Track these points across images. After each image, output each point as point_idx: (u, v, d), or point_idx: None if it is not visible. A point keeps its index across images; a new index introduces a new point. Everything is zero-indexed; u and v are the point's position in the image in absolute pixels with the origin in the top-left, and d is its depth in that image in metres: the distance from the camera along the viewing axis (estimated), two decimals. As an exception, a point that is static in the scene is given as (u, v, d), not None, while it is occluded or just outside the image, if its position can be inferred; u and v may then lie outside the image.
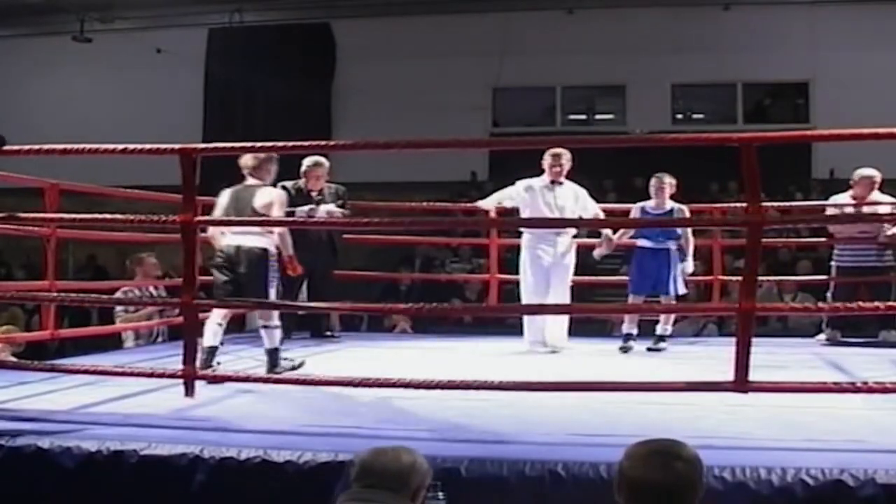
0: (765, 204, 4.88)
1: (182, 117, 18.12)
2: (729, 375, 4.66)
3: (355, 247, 11.08)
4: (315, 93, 18.63)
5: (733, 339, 4.73)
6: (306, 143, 5.37)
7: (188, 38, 18.49)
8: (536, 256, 8.13)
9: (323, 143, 6.31)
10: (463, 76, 18.06)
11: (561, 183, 8.14)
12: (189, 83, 18.68)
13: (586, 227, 9.19)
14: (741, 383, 4.67)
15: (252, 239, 6.33)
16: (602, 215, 8.36)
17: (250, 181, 6.53)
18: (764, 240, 5.14)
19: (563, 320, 8.26)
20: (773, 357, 7.13)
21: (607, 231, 8.34)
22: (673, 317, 8.49)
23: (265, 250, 6.35)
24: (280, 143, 5.44)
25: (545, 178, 8.12)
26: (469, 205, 8.73)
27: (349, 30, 18.71)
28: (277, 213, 6.38)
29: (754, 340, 4.67)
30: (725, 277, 9.65)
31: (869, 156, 8.66)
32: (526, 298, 8.13)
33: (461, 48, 18.07)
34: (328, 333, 9.02)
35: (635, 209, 8.40)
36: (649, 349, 8.28)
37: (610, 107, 18.99)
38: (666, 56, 17.54)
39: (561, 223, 8.02)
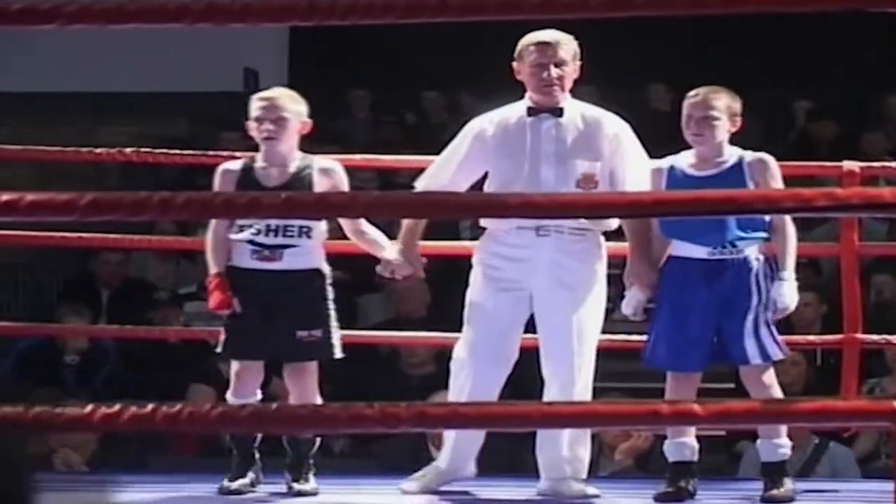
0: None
1: None
2: None
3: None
4: None
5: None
6: None
7: None
8: (497, 281, 5.09)
9: None
10: None
11: (559, 111, 5.01)
12: None
13: (608, 213, 5.03)
14: None
15: None
16: (648, 184, 5.09)
17: None
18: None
19: (581, 434, 5.04)
20: None
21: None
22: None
23: None
24: None
25: (523, 105, 5.06)
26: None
27: None
28: None
29: None
30: (873, 339, 5.78)
31: None
32: (459, 373, 4.95)
33: None
34: None
35: (654, 174, 5.24)
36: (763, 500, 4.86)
37: None
38: None
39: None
